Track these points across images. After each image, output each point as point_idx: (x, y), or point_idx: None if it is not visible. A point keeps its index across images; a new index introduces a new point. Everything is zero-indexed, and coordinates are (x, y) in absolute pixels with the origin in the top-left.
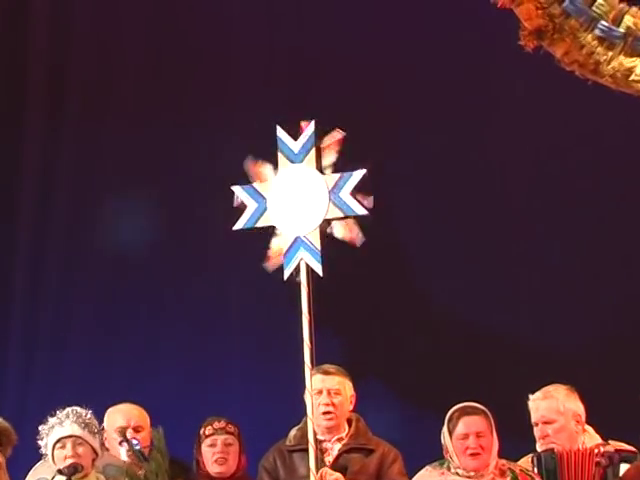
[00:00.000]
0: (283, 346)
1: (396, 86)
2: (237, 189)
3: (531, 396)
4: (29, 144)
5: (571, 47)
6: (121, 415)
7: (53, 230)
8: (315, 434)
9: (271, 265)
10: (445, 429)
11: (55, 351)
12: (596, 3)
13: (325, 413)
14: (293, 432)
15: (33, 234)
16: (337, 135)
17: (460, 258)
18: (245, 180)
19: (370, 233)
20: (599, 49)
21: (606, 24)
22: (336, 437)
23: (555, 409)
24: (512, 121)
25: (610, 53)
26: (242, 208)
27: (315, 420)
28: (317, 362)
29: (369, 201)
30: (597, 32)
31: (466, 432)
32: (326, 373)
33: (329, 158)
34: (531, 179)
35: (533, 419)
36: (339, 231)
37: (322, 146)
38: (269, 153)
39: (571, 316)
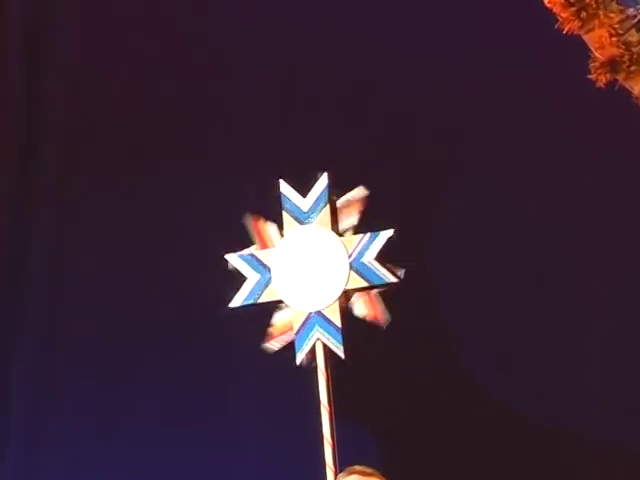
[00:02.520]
0: (303, 444)
1: (428, 133)
2: (232, 258)
3: None
4: None
5: None
6: None
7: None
8: None
9: (272, 344)
10: None
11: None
12: None
13: None
14: None
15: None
16: (360, 193)
17: (520, 338)
18: (242, 246)
19: (402, 305)
20: None
21: None
22: None
23: None
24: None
25: None
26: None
27: None
28: (342, 462)
29: (399, 270)
30: None
31: None
32: (364, 474)
33: (350, 220)
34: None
35: None
36: (360, 308)
37: (340, 206)
38: (271, 213)
39: None
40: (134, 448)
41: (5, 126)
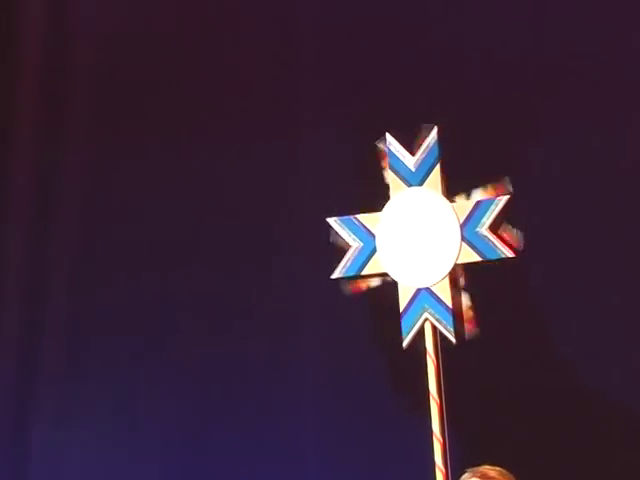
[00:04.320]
0: (409, 441)
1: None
2: (334, 222)
3: None
4: None
5: None
6: None
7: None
8: None
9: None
10: None
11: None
12: None
13: None
14: None
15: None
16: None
17: None
18: (337, 208)
19: (524, 282)
20: None
21: None
22: None
23: None
24: None
25: None
26: (340, 247)
27: None
28: (453, 462)
29: (518, 239)
30: None
31: None
32: (485, 478)
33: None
34: None
35: None
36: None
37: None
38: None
39: None
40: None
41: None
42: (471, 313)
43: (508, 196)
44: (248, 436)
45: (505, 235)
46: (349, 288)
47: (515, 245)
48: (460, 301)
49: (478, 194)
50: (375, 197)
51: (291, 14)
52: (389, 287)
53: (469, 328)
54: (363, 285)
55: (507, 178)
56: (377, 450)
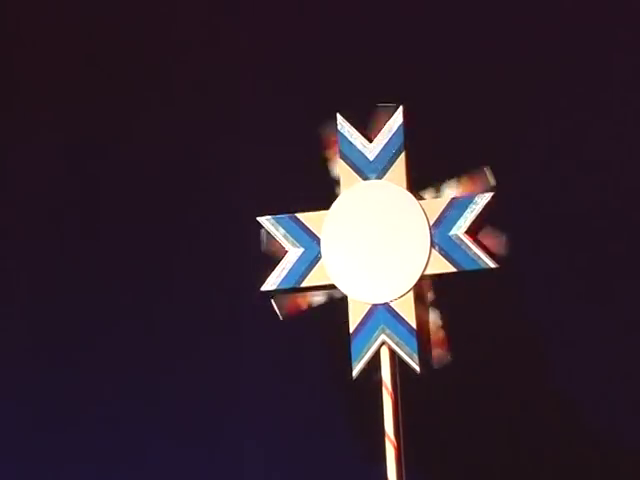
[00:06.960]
0: None
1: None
2: (267, 222)
3: None
4: None
5: None
6: None
7: None
8: None
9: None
10: None
11: None
12: None
13: None
14: None
15: None
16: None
17: None
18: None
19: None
20: None
21: None
22: None
23: None
24: None
25: None
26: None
27: None
28: None
29: (501, 246)
30: None
31: None
32: None
33: None
34: None
35: None
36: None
37: None
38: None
39: None
40: None
41: None
42: (441, 335)
43: (491, 193)
44: None
45: (486, 241)
46: (284, 306)
47: (498, 253)
48: (427, 320)
49: (452, 190)
50: (321, 193)
51: None
52: (337, 303)
53: (438, 353)
54: (302, 302)
55: (488, 169)
56: None
